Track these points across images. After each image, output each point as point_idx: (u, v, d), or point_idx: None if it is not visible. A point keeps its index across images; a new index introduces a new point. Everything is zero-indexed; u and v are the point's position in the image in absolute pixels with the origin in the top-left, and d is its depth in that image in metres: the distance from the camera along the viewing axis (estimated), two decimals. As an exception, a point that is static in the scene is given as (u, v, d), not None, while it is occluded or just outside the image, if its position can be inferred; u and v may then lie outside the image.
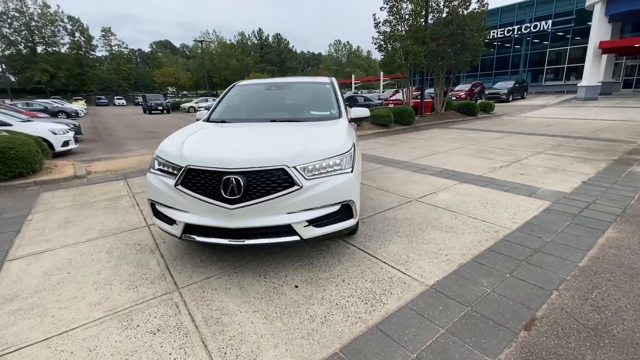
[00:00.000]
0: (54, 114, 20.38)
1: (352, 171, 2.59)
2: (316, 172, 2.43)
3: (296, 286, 2.43)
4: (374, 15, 12.95)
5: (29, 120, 9.09)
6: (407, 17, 13.02)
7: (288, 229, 2.39)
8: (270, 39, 78.76)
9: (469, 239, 3.07)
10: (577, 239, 3.00)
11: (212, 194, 2.34)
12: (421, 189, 4.61)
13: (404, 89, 14.87)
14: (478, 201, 4.08)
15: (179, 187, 2.44)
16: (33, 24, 50.19)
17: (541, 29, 29.47)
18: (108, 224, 3.76)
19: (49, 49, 52.71)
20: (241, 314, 2.13)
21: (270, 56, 76.14)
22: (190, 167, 2.41)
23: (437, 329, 1.93)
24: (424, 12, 12.70)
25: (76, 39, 54.79)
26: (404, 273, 2.54)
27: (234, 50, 71.16)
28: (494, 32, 32.39)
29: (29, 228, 3.73)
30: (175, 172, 2.50)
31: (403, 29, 13.11)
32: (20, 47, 50.08)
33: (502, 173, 5.35)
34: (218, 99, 4.01)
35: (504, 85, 25.04)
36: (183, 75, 56.70)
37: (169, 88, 65.45)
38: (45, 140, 7.86)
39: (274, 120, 3.34)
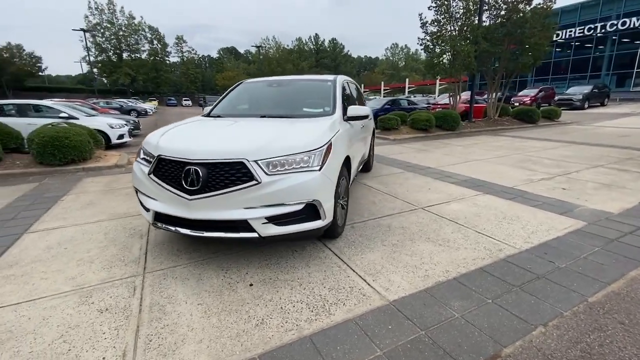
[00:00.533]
0: (126, 111, 23.05)
1: (320, 169, 2.44)
2: (280, 168, 2.34)
3: (251, 284, 2.35)
4: (420, 14, 12.36)
5: (93, 115, 10.36)
6: (458, 15, 12.19)
7: (245, 225, 2.33)
8: (326, 44, 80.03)
9: (462, 256, 2.70)
10: (601, 269, 2.46)
11: (175, 184, 2.38)
12: (434, 197, 4.22)
13: (452, 93, 13.93)
14: (494, 215, 3.60)
15: (151, 175, 2.53)
16: (121, 33, 57.55)
17: (631, 26, 25.53)
18: (119, 209, 4.08)
19: (132, 55, 59.93)
20: (185, 305, 2.12)
21: (325, 60, 77.36)
22: (161, 156, 2.49)
23: (373, 350, 1.70)
24: (477, 10, 11.77)
25: (154, 46, 61.53)
26: (369, 284, 2.31)
27: (292, 56, 73.69)
28: (570, 32, 28.96)
29: (58, 207, 4.21)
30: (150, 160, 2.59)
31: (453, 28, 12.30)
32: (109, 53, 57.74)
33: (539, 186, 4.67)
34: (223, 95, 4.12)
35: (578, 91, 22.12)
36: (242, 78, 60.34)
37: (230, 90, 69.96)
38: (103, 133, 8.88)
39: (264, 116, 3.31)
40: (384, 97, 26.42)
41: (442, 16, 12.15)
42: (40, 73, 61.27)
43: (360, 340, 1.78)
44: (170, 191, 2.39)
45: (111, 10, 55.63)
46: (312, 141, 2.53)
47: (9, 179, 5.82)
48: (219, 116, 3.59)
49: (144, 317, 2.02)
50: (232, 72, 61.61)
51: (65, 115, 9.05)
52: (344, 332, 1.84)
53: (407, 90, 44.44)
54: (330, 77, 4.04)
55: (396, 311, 2.01)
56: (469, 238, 3.03)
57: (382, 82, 48.12)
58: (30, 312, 2.09)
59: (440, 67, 12.23)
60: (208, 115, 3.73)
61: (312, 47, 79.85)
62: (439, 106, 16.63)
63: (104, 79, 64.59)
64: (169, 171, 2.43)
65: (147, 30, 60.44)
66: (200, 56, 77.22)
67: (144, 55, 61.95)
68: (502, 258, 2.65)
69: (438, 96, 28.20)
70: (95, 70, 56.60)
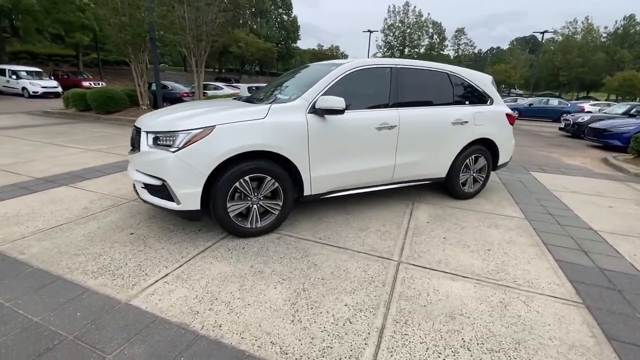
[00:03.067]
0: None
1: (175, 152, 2.37)
2: (159, 142, 2.51)
3: (132, 234, 2.79)
4: None
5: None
6: None
7: (134, 184, 2.74)
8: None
9: (277, 329, 1.76)
10: None
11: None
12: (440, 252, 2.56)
13: None
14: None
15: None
16: (408, 31, 64.55)
17: None
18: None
19: (412, 50, 66.17)
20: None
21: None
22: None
23: None
24: None
25: (433, 41, 64.60)
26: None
27: (607, 42, 54.17)
28: None
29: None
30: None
31: None
32: (394, 50, 66.73)
33: None
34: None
35: None
36: (515, 72, 51.53)
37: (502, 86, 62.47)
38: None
39: (248, 101, 3.32)
40: None
41: None
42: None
43: None
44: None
45: (405, 11, 63.17)
46: (188, 123, 2.45)
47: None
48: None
49: (79, 221, 3.02)
50: (504, 65, 54.11)
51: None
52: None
53: None
54: (340, 61, 3.23)
55: (105, 312, 1.82)
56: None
57: None
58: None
59: None
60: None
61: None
62: None
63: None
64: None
65: (430, 25, 64.10)
66: (477, 50, 72.86)
67: (422, 50, 66.75)
68: None
69: None
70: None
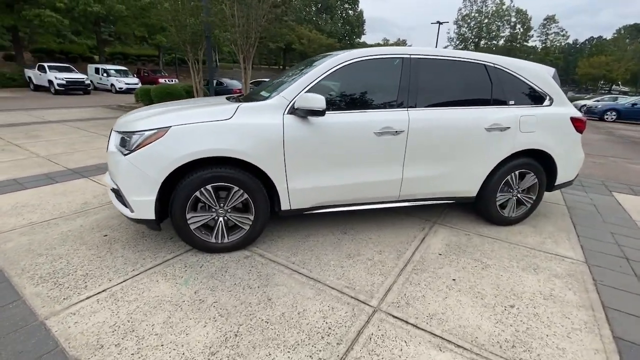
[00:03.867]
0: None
1: (126, 155, 2.14)
2: (121, 143, 2.32)
3: (105, 236, 2.68)
4: None
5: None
6: None
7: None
8: None
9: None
10: None
11: None
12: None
13: None
14: None
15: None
16: (485, 21, 58.59)
17: None
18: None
19: (489, 43, 59.97)
20: (78, 223, 2.90)
21: None
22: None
23: None
24: None
25: (515, 31, 57.60)
26: (87, 299, 1.91)
27: None
28: None
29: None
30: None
31: None
32: (468, 42, 61.22)
33: None
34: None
35: None
36: (619, 65, 43.02)
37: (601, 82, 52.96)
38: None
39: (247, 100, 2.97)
40: None
41: None
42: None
43: None
44: None
45: (482, 0, 57.47)
46: (143, 123, 2.19)
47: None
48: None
49: (69, 216, 3.04)
50: (605, 57, 45.73)
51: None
52: None
53: None
54: (337, 53, 2.65)
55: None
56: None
57: None
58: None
59: None
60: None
61: None
62: None
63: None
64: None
65: (513, 14, 57.31)
66: (572, 40, 62.94)
67: (501, 42, 60.19)
68: None
69: None
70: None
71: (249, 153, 2.24)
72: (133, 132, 2.20)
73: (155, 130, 2.15)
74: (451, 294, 2.10)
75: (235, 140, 2.22)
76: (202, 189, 2.26)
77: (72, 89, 17.65)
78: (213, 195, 2.30)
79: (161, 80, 22.81)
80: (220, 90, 13.84)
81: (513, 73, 2.90)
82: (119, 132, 2.34)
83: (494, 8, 57.38)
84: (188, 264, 2.34)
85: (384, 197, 2.75)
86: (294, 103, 2.32)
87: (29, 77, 18.95)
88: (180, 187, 2.22)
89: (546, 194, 3.41)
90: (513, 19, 57.34)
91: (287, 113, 2.34)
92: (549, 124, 2.95)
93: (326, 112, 2.37)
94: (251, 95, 3.13)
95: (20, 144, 5.92)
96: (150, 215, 2.24)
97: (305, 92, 2.33)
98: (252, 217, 2.44)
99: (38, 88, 18.53)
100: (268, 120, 2.28)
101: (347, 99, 2.54)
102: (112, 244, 2.56)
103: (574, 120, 3.06)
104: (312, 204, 2.57)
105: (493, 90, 2.84)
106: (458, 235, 2.94)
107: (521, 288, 2.20)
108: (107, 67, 21.20)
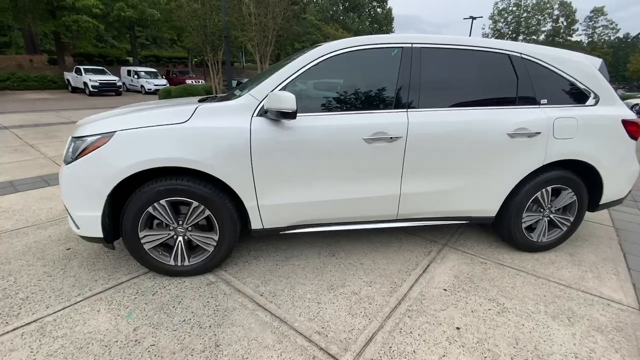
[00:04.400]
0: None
1: (68, 163, 1.86)
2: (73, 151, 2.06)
3: (68, 249, 2.44)
4: None
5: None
6: None
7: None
8: None
9: None
10: None
11: None
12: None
13: None
14: None
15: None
16: (524, 15, 55.05)
17: None
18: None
19: (527, 38, 56.33)
20: (47, 233, 2.70)
21: None
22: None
23: None
24: None
25: (557, 25, 53.64)
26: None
27: None
28: None
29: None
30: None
31: None
32: (504, 38, 57.89)
33: None
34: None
35: None
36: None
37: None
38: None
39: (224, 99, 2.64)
40: None
41: None
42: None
43: None
44: None
45: (522, -8, 54.14)
46: (88, 128, 1.90)
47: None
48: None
49: (43, 224, 2.85)
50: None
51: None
52: None
53: None
54: (318, 46, 2.19)
55: None
56: None
57: None
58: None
59: None
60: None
61: None
62: None
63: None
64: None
65: (555, 7, 53.44)
66: (623, 35, 57.55)
67: (541, 37, 56.39)
68: None
69: None
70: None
71: (208, 163, 1.88)
72: (77, 138, 1.91)
73: (99, 136, 1.85)
74: (451, 351, 1.62)
75: (191, 148, 1.86)
76: (155, 203, 1.94)
77: (105, 90, 18.46)
78: (169, 211, 1.97)
79: (188, 81, 23.36)
80: (240, 91, 13.80)
81: (546, 64, 2.32)
82: (72, 137, 2.08)
83: (534, 1, 53.78)
84: (141, 289, 2.02)
85: (379, 216, 2.29)
86: (264, 103, 1.93)
87: (68, 80, 20.09)
88: (131, 201, 1.91)
89: (588, 213, 2.78)
90: (556, 12, 53.42)
91: (257, 115, 1.96)
92: (594, 128, 2.34)
93: (307, 114, 1.97)
94: (229, 95, 2.79)
95: (35, 144, 6.02)
96: (97, 233, 1.95)
97: (279, 90, 1.94)
98: (216, 238, 2.08)
99: (75, 90, 19.59)
100: (232, 124, 1.91)
101: (330, 98, 2.12)
102: (70, 260, 2.31)
103: (626, 123, 2.43)
104: (290, 223, 2.18)
105: (519, 86, 2.29)
106: (472, 263, 2.42)
107: (549, 346, 1.67)
108: (138, 69, 21.99)
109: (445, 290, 2.10)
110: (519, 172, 2.31)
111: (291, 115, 1.82)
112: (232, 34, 11.13)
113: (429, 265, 2.37)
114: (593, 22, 54.57)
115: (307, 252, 2.50)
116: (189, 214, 2.01)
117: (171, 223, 2.02)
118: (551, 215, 2.53)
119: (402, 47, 2.13)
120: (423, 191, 2.23)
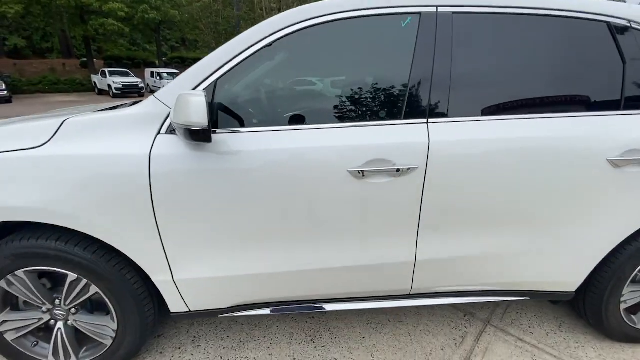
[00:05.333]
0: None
1: None
2: None
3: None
4: None
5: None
6: None
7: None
8: None
9: None
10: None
11: None
12: None
13: None
14: None
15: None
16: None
17: None
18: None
19: None
20: None
21: None
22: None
23: None
24: None
25: None
26: None
27: None
28: None
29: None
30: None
31: None
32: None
33: None
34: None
35: None
36: None
37: None
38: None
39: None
40: None
41: None
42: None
43: None
44: None
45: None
46: None
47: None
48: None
49: None
50: None
51: None
52: None
53: None
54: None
55: None
56: None
57: None
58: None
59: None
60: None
61: None
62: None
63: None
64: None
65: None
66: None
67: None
68: None
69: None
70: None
71: (73, 214, 1.11)
72: None
73: None
74: None
75: (52, 189, 1.10)
76: (9, 276, 1.20)
77: (127, 92, 18.71)
78: (32, 287, 1.23)
79: (210, 81, 23.40)
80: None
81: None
82: None
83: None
84: (-5, 407, 1.30)
85: (379, 292, 1.42)
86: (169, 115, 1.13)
87: (94, 82, 20.61)
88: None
89: None
90: None
91: (167, 132, 1.16)
92: None
93: (253, 130, 1.16)
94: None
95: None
96: None
97: (194, 90, 1.13)
98: (115, 326, 1.31)
99: (101, 92, 20.04)
100: (118, 149, 1.12)
101: (295, 102, 1.29)
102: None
103: None
104: (233, 303, 1.36)
105: (626, 77, 1.33)
106: (532, 358, 1.49)
107: None
108: (160, 70, 22.17)
109: None
110: (625, 225, 1.35)
111: (200, 135, 1.00)
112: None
113: (461, 368, 1.47)
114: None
115: (276, 333, 1.67)
116: (65, 292, 1.25)
117: (39, 303, 1.27)
118: (670, 290, 1.54)
119: (419, 14, 1.25)
120: (452, 256, 1.33)
